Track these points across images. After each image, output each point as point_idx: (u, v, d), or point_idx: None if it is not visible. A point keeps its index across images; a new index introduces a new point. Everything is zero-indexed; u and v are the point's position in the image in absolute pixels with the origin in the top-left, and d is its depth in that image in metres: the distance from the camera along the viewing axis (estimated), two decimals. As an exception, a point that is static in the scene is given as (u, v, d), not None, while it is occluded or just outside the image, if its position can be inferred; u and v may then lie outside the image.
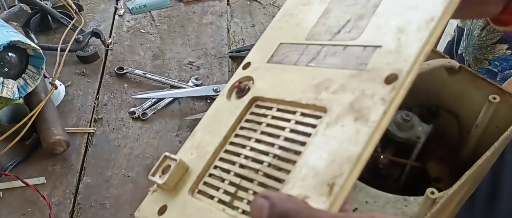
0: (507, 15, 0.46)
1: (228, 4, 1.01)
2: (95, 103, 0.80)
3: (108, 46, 0.90)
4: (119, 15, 0.97)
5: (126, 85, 0.83)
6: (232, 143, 0.35)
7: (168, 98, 0.80)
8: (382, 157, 0.56)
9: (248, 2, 1.01)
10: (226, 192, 0.32)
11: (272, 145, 0.32)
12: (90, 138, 0.74)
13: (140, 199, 0.73)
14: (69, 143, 0.70)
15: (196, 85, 0.83)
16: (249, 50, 0.97)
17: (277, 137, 0.33)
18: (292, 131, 0.32)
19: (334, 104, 0.31)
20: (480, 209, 0.61)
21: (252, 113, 0.36)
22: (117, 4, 1.00)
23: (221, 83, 0.82)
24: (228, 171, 0.33)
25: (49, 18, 0.91)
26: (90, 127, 0.76)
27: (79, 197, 0.66)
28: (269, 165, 0.31)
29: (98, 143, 0.74)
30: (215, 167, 0.34)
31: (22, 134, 0.68)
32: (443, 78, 0.60)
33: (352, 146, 0.29)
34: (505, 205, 0.61)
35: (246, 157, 0.33)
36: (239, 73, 0.40)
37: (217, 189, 0.33)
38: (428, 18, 0.32)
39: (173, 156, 0.35)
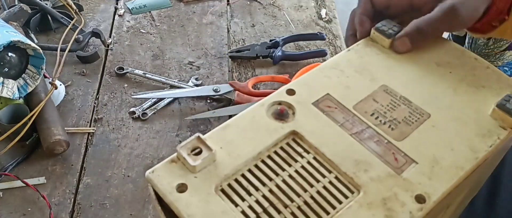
0: (483, 25, 0.49)
1: (228, 4, 1.01)
2: (95, 103, 0.80)
3: (108, 46, 0.90)
4: (119, 15, 0.97)
5: (126, 85, 0.83)
6: (264, 163, 0.38)
7: (168, 98, 0.80)
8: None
9: (248, 2, 1.01)
10: (251, 208, 0.35)
11: (305, 190, 0.36)
12: (90, 138, 0.74)
13: (140, 199, 0.73)
14: (69, 143, 0.70)
15: (196, 85, 0.83)
16: (249, 50, 0.97)
17: (310, 185, 0.36)
18: (325, 188, 0.36)
19: (370, 189, 0.36)
20: (480, 210, 0.61)
21: (289, 145, 0.39)
22: (117, 4, 1.00)
23: (221, 83, 0.82)
24: (256, 188, 0.36)
25: (49, 18, 0.91)
26: (90, 127, 0.76)
27: (79, 197, 0.66)
28: (299, 207, 0.35)
29: (98, 143, 0.74)
30: (243, 175, 0.37)
31: (22, 134, 0.68)
32: None
33: None
34: (506, 206, 0.61)
35: (278, 186, 0.36)
36: (282, 95, 0.43)
37: (242, 199, 0.35)
38: (459, 165, 0.38)
39: (208, 143, 0.37)
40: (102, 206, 0.66)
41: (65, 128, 0.72)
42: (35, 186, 0.66)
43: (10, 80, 0.72)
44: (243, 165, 0.37)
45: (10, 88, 0.72)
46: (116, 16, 0.97)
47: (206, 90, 0.80)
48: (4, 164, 0.69)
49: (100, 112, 0.78)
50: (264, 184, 0.36)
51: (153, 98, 0.80)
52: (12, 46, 0.70)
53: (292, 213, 0.35)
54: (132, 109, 0.78)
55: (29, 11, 0.88)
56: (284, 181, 0.36)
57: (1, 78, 0.71)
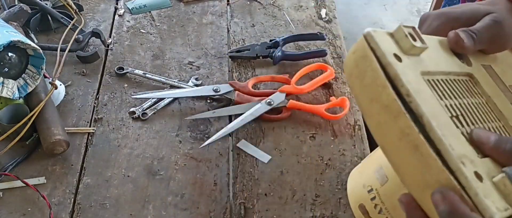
0: None
1: (228, 4, 1.01)
2: (95, 103, 0.80)
3: (108, 46, 0.90)
4: (119, 15, 0.97)
5: (126, 85, 0.83)
6: (453, 81, 0.42)
7: (168, 98, 0.80)
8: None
9: (248, 2, 1.01)
10: (452, 107, 0.38)
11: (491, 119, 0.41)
12: (90, 138, 0.74)
13: (140, 199, 0.73)
14: (69, 143, 0.70)
15: (196, 85, 0.83)
16: (249, 50, 0.96)
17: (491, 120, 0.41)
18: (502, 127, 0.42)
19: None
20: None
21: (466, 82, 0.44)
22: (117, 4, 1.00)
23: (221, 83, 0.82)
24: (454, 96, 0.40)
25: (49, 18, 0.91)
26: (90, 127, 0.76)
27: (79, 197, 0.67)
28: (502, 126, 0.41)
29: (98, 143, 0.74)
30: (442, 80, 0.40)
31: (22, 134, 0.68)
32: None
33: None
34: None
35: (469, 104, 0.40)
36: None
37: (444, 96, 0.39)
38: None
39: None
40: (102, 206, 0.66)
41: (65, 128, 0.72)
42: (35, 186, 0.66)
43: (10, 80, 0.72)
44: (439, 73, 0.40)
45: (10, 88, 0.72)
46: (116, 16, 0.97)
47: (206, 90, 0.80)
48: (4, 164, 0.69)
49: (100, 112, 0.78)
50: (457, 96, 0.39)
51: (153, 98, 0.80)
52: (12, 46, 0.70)
53: (498, 127, 0.39)
54: (132, 109, 0.78)
55: (29, 11, 0.88)
56: (472, 103, 0.40)
57: (1, 78, 0.71)
